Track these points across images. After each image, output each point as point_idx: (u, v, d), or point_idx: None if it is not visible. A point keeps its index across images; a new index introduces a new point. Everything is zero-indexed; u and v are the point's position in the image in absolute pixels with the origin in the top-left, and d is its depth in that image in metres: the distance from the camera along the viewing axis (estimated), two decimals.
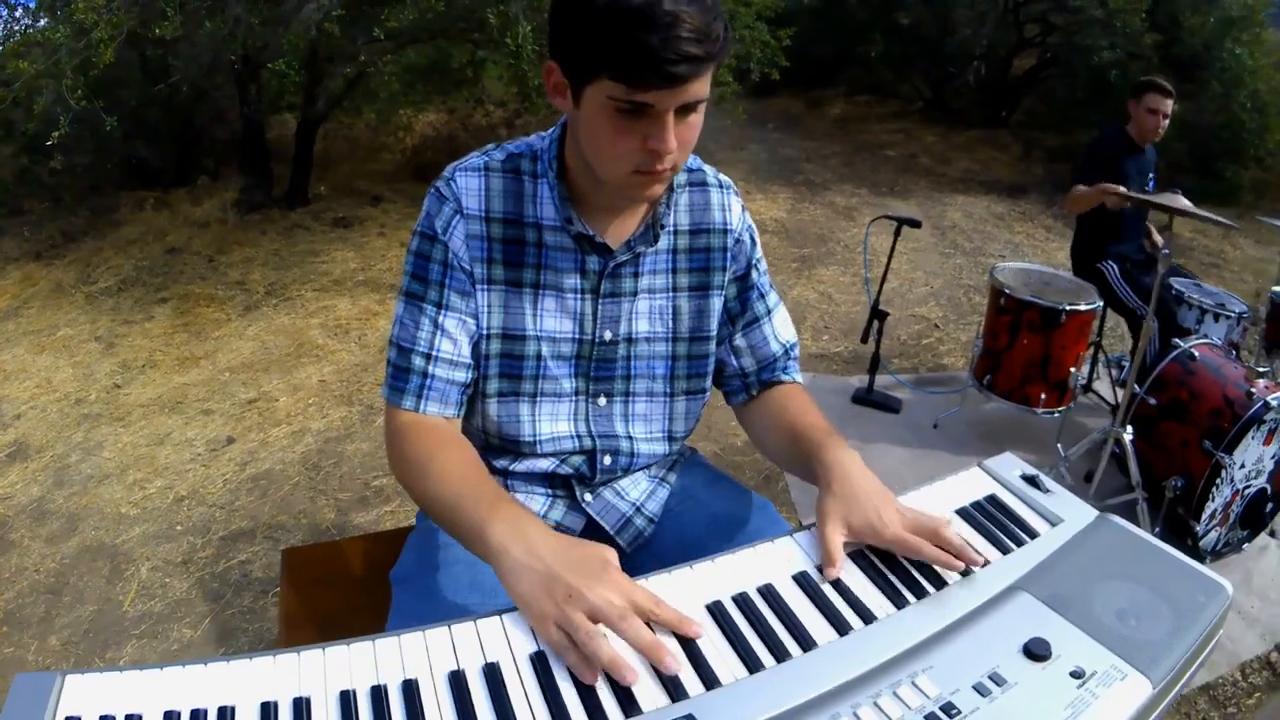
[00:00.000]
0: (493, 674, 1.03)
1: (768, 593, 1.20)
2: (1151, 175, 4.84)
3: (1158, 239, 4.76)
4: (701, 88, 1.27)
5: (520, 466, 1.63)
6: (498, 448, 1.64)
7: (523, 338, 1.53)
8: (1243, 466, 3.49)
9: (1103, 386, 5.00)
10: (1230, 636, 3.25)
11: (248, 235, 7.26)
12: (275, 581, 3.32)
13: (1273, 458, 3.58)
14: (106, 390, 4.92)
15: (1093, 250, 4.68)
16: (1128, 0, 11.40)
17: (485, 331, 1.51)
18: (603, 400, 1.62)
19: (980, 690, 1.01)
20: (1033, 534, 1.36)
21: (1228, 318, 4.29)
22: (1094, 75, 11.47)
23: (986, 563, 1.27)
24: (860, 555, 1.29)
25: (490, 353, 1.53)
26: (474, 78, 8.74)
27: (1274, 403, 3.41)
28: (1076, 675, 1.04)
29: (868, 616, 1.16)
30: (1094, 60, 11.46)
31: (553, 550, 1.17)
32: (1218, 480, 3.43)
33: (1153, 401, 3.73)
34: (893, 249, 4.68)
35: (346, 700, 0.97)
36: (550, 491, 1.68)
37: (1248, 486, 3.57)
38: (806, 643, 1.10)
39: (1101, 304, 4.22)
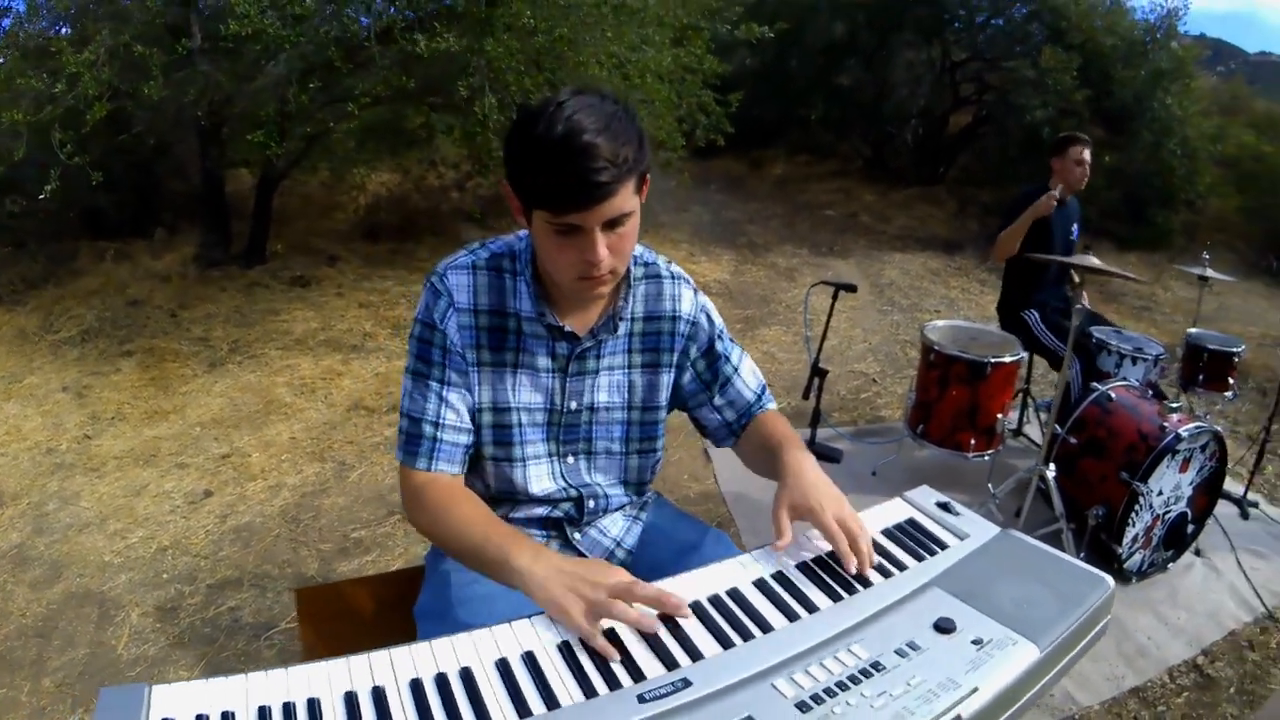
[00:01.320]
0: (531, 659, 1.32)
1: (733, 594, 1.50)
2: (1075, 224, 5.20)
3: (1084, 294, 5.15)
4: (621, 204, 1.55)
5: (518, 514, 1.94)
6: (496, 499, 1.92)
7: (507, 409, 1.84)
8: (1160, 494, 3.90)
9: (1033, 430, 5.39)
10: (1157, 644, 3.66)
11: (208, 291, 7.45)
12: (268, 626, 3.50)
13: (1190, 484, 4.01)
14: (77, 440, 5.06)
15: (1017, 300, 5.04)
16: (1059, 60, 11.93)
17: (478, 405, 1.82)
18: (570, 459, 1.94)
19: (900, 653, 1.30)
20: (943, 545, 1.68)
21: (1145, 360, 4.64)
22: (1027, 132, 11.92)
23: (897, 564, 1.62)
24: (805, 565, 1.61)
25: (482, 423, 1.83)
26: (428, 138, 9.01)
27: (1185, 434, 3.81)
28: (976, 642, 1.34)
29: (811, 608, 1.47)
30: (1027, 118, 11.94)
31: (572, 563, 1.50)
32: (1135, 507, 3.82)
33: (1073, 440, 4.10)
34: (830, 312, 5.01)
35: (416, 687, 1.25)
36: (545, 532, 1.98)
37: (1168, 511, 3.98)
38: (765, 627, 1.41)
39: (1025, 354, 4.57)
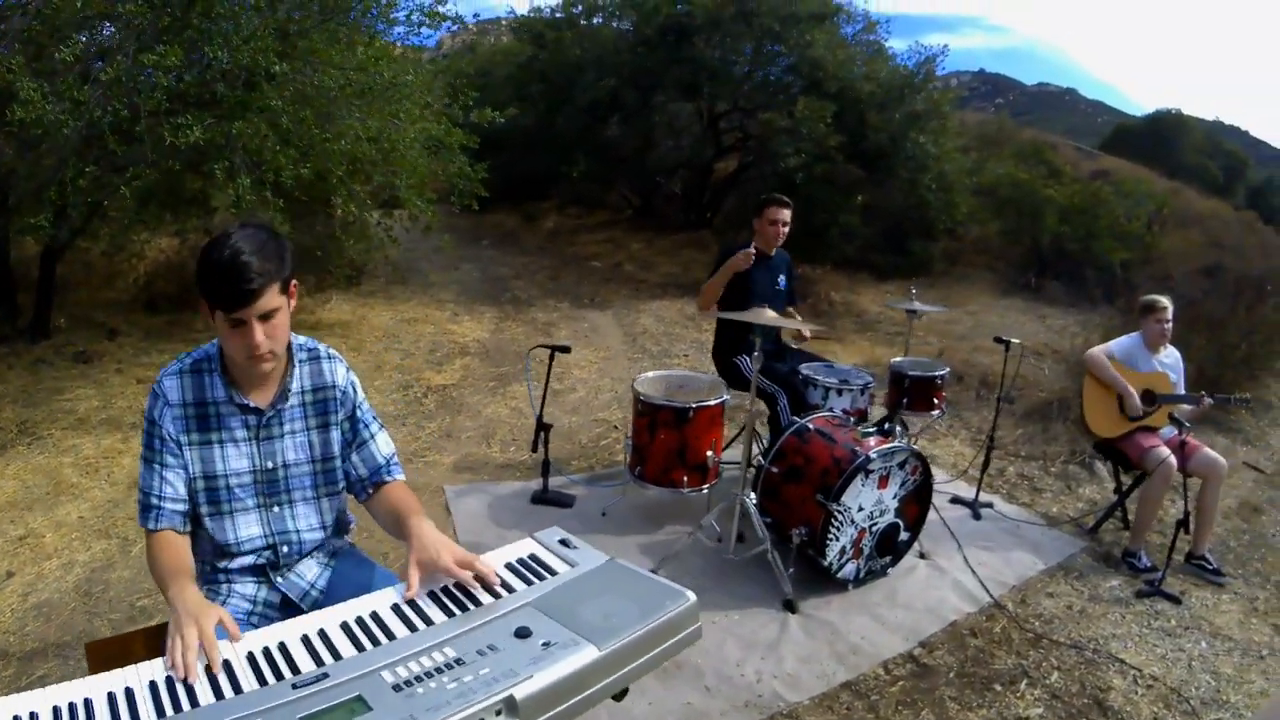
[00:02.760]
0: (169, 681, 1.74)
1: (373, 615, 1.98)
2: (782, 276, 5.65)
3: (805, 333, 5.75)
4: (269, 302, 2.18)
5: (233, 564, 2.47)
6: (216, 552, 2.46)
7: (216, 476, 2.39)
8: (860, 509, 4.39)
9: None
10: (872, 641, 4.12)
11: None
12: None
13: (894, 497, 4.52)
14: None
15: (728, 347, 5.49)
16: (813, 108, 12.75)
17: (192, 476, 2.37)
18: (275, 509, 2.49)
19: (480, 653, 1.73)
20: (553, 572, 2.12)
21: (851, 391, 5.15)
22: (782, 178, 12.61)
23: (509, 588, 2.06)
24: (434, 593, 2.07)
25: (196, 489, 2.38)
26: (204, 198, 9.02)
27: (875, 455, 4.30)
28: (545, 644, 1.75)
29: (428, 622, 1.91)
30: (781, 165, 12.74)
31: (190, 602, 1.99)
32: (834, 524, 4.31)
33: (775, 470, 4.60)
34: (549, 372, 5.57)
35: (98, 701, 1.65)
36: (255, 578, 2.52)
37: (874, 524, 4.49)
38: (390, 636, 1.87)
39: (728, 397, 4.98)
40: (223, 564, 2.45)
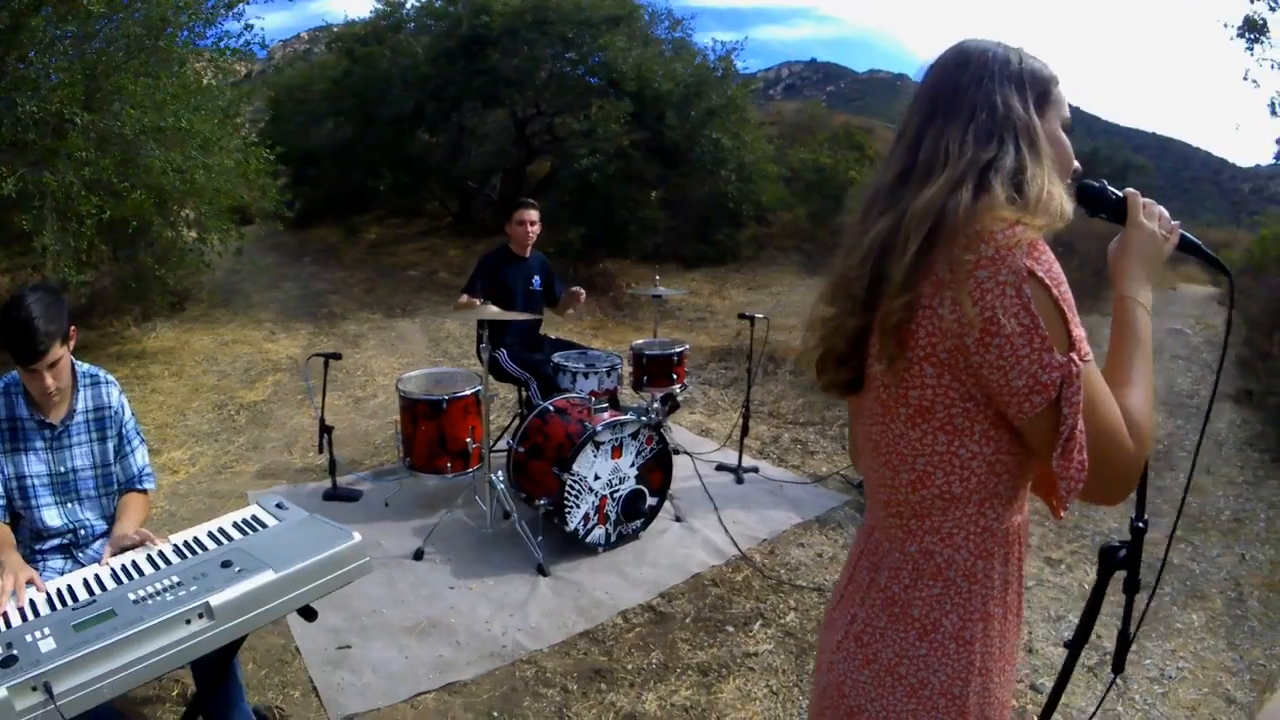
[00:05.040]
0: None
1: (131, 563, 2.73)
2: (537, 276, 6.28)
3: (577, 297, 6.32)
4: (54, 355, 2.88)
5: (45, 545, 3.17)
6: (33, 536, 3.15)
7: (24, 478, 3.10)
8: (598, 478, 4.99)
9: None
10: (613, 596, 4.65)
11: None
12: None
13: (632, 466, 5.16)
14: None
15: (490, 343, 5.94)
16: (606, 110, 13.51)
17: (8, 478, 3.07)
18: (69, 504, 3.21)
19: (194, 578, 2.47)
20: (265, 525, 2.89)
21: (596, 373, 5.80)
22: (580, 178, 13.36)
23: (229, 537, 2.82)
24: (176, 546, 2.81)
25: (12, 489, 3.09)
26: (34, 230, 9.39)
27: (601, 428, 4.92)
28: (240, 571, 2.49)
29: (168, 562, 2.68)
30: (576, 165, 13.39)
31: (12, 563, 2.68)
32: (570, 493, 4.88)
33: (521, 449, 5.23)
34: (325, 379, 6.07)
35: None
36: (62, 555, 3.18)
37: (615, 491, 5.10)
38: (141, 573, 2.61)
39: (480, 388, 5.40)
40: (37, 545, 3.15)
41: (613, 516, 5.15)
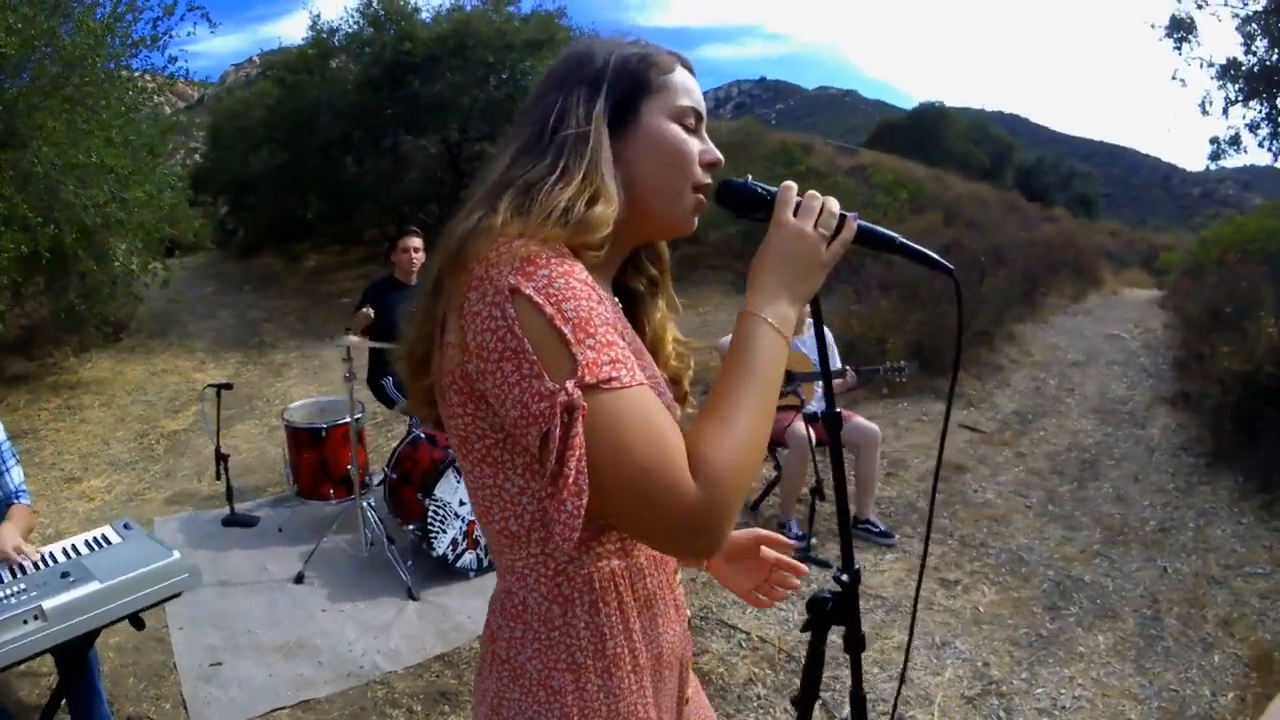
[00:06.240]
0: None
1: None
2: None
3: None
4: None
5: None
6: None
7: None
8: (463, 504, 5.13)
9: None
10: (474, 619, 4.74)
11: None
12: None
13: None
14: None
15: (376, 371, 6.46)
16: None
17: None
18: None
19: (37, 585, 2.98)
20: (110, 543, 3.39)
21: None
22: None
23: (78, 552, 3.29)
24: (36, 562, 3.24)
25: None
26: None
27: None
28: (75, 581, 2.99)
29: (25, 572, 3.13)
30: None
31: None
32: (434, 518, 5.08)
33: (395, 476, 5.43)
34: (218, 407, 6.37)
35: None
36: None
37: None
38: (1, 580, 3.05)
39: (361, 415, 5.63)
40: None
41: (482, 542, 5.20)
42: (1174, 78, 16.35)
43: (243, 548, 5.79)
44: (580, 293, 1.18)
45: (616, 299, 1.50)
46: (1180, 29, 16.05)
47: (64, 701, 3.42)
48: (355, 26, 16.45)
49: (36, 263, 9.06)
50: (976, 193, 23.60)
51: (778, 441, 5.85)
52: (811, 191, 1.41)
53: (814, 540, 5.64)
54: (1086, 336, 12.10)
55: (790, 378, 5.69)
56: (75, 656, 3.28)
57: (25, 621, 2.81)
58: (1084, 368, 10.71)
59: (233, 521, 6.15)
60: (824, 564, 5.38)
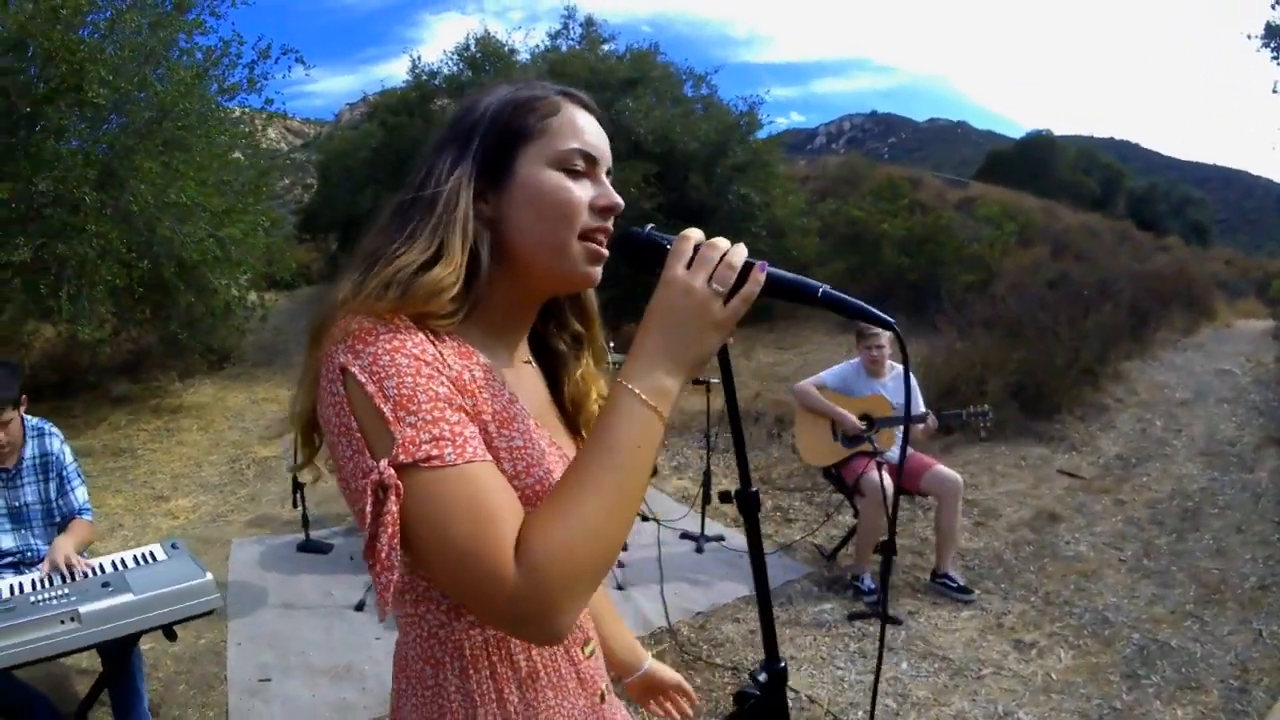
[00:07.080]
0: None
1: (48, 576, 3.49)
2: None
3: None
4: (6, 417, 3.65)
5: (2, 563, 3.78)
6: None
7: None
8: None
9: None
10: None
11: None
12: None
13: None
14: None
15: None
16: (624, 175, 13.70)
17: None
18: (23, 531, 3.87)
19: (81, 592, 3.26)
20: (156, 559, 3.63)
21: None
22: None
23: (126, 565, 3.53)
24: (85, 571, 3.48)
25: None
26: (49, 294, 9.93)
27: None
28: (115, 591, 3.23)
29: (74, 578, 3.44)
30: None
31: None
32: None
33: None
34: (297, 440, 6.55)
35: None
36: (13, 570, 3.75)
37: None
38: (53, 584, 3.39)
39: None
40: None
41: None
42: (1276, 90, 14.99)
43: (312, 573, 5.97)
44: (406, 369, 1.13)
45: (530, 359, 1.47)
46: (1277, 37, 15.08)
47: (110, 701, 3.65)
48: (455, 69, 16.85)
49: (133, 295, 9.50)
50: (1087, 223, 23.34)
51: (856, 490, 5.66)
52: (714, 240, 1.26)
53: (878, 596, 5.34)
54: (1196, 373, 11.62)
55: (870, 422, 5.62)
56: (118, 656, 3.55)
57: (62, 622, 3.07)
58: (1192, 406, 10.21)
59: (307, 547, 6.37)
60: (896, 621, 5.12)
